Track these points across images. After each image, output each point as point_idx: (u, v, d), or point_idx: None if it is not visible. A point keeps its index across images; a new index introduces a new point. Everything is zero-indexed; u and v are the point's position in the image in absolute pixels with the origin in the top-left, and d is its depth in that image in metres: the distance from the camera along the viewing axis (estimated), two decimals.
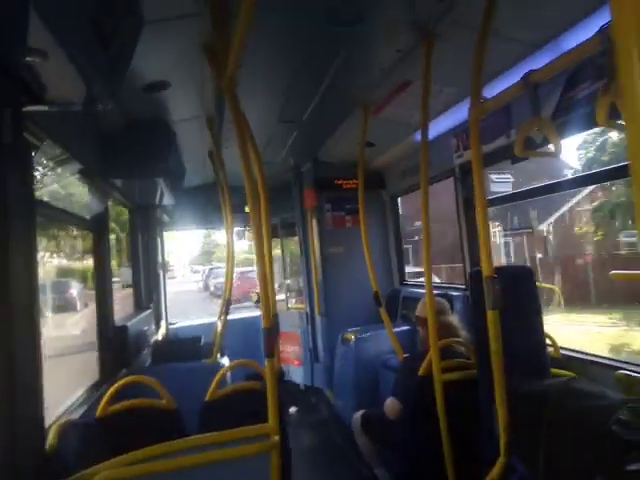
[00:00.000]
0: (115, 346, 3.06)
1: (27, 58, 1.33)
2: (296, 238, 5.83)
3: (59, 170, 2.91)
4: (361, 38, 2.47)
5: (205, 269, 29.42)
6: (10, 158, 1.49)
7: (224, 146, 3.85)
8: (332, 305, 4.97)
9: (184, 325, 5.78)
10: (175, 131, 3.30)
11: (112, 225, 4.58)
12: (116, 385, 2.33)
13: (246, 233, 6.22)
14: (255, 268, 8.60)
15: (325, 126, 3.96)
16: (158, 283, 5.36)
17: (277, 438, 1.74)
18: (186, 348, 3.72)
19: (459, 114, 3.45)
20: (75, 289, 8.94)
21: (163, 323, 5.32)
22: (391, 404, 2.77)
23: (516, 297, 2.11)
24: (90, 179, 2.85)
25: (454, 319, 2.97)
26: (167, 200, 4.45)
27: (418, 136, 3.89)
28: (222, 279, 4.90)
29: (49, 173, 2.71)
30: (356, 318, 4.73)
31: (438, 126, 3.54)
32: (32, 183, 1.57)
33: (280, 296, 6.59)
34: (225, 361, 3.68)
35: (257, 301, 6.46)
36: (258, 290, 7.08)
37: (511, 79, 2.29)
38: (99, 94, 1.62)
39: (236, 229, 4.61)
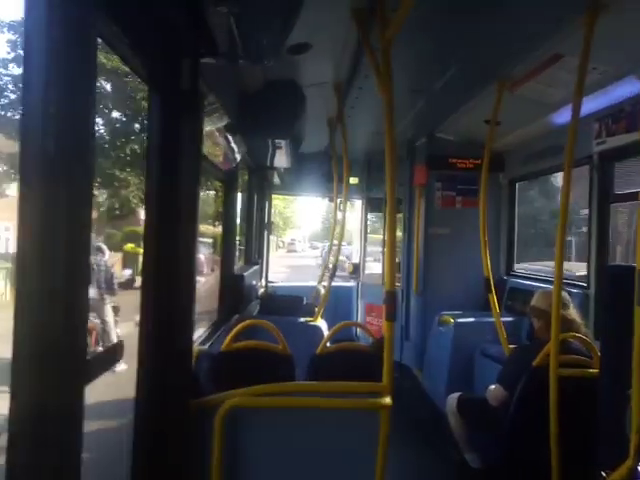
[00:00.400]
0: (233, 292, 3.32)
1: (218, 8, 1.42)
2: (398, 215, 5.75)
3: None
4: (518, 4, 2.31)
5: (324, 245, 30.15)
6: (186, 105, 1.63)
7: (347, 114, 3.86)
8: (430, 286, 4.89)
9: (282, 285, 6.07)
10: (305, 94, 3.37)
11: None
12: (243, 323, 2.56)
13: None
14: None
15: (453, 99, 3.79)
16: (263, 243, 5.66)
17: (389, 398, 1.79)
18: (289, 305, 3.92)
19: (606, 97, 3.13)
20: (202, 254, 9.31)
21: (263, 281, 5.62)
22: (496, 391, 2.70)
23: None
24: (232, 134, 3.03)
25: (575, 314, 2.79)
26: (283, 163, 4.60)
27: (555, 117, 3.60)
28: (341, 257, 4.99)
29: None
30: (453, 301, 4.61)
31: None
32: (202, 130, 1.71)
33: (377, 270, 6.63)
34: (323, 322, 3.82)
35: (352, 272, 6.56)
36: (353, 261, 7.22)
37: None
38: (266, 49, 1.69)
39: (339, 200, 4.65)
